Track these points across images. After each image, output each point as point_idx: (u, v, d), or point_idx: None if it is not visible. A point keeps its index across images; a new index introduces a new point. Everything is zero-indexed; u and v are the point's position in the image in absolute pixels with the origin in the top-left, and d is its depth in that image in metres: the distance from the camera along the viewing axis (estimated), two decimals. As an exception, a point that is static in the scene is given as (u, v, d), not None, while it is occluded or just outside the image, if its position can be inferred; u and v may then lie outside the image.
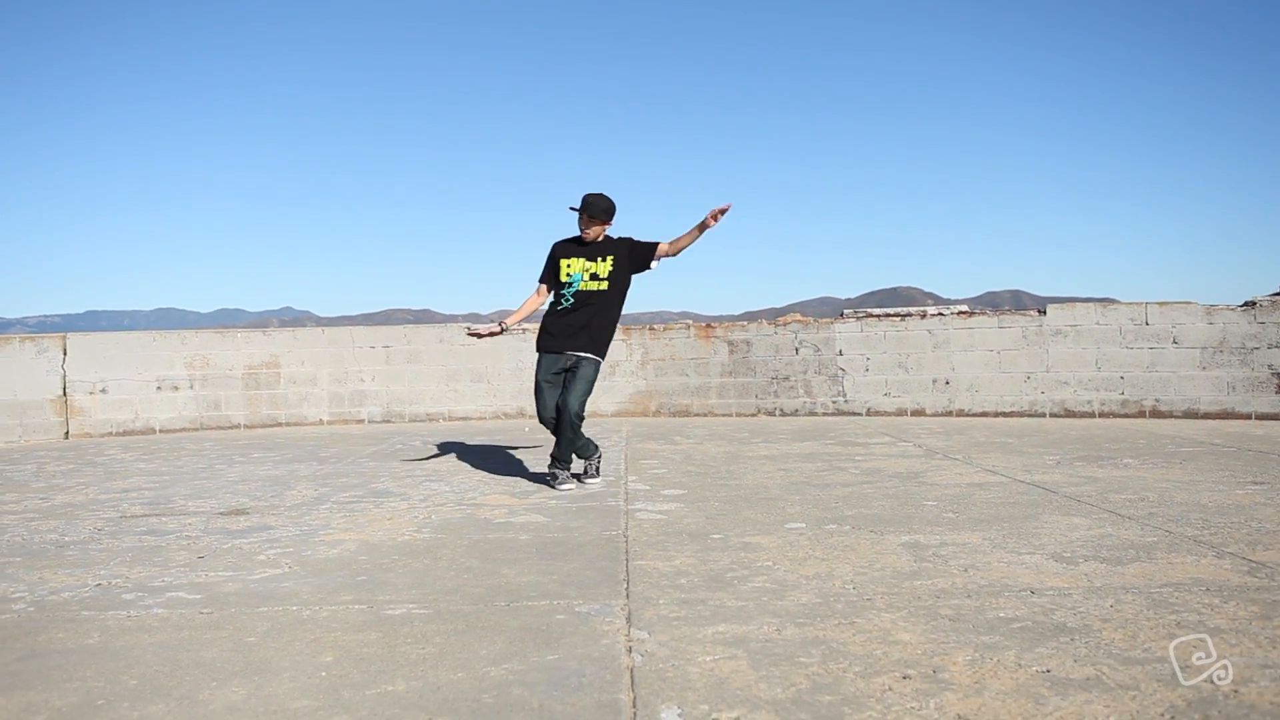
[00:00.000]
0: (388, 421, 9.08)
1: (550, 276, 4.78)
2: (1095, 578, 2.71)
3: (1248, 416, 7.80)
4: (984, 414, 8.43)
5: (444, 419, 9.09)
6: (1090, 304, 8.42)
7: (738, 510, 3.94)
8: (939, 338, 8.59)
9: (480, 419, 9.11)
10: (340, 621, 2.44)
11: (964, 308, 8.69)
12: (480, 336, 4.74)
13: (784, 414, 8.86)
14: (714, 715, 1.79)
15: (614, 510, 4.02)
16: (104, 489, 4.98)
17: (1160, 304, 8.13)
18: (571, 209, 4.63)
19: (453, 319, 9.97)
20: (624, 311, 4.81)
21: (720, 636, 2.25)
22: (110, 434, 8.56)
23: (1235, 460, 5.19)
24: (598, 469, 4.82)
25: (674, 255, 4.69)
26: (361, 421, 9.07)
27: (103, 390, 8.61)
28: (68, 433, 8.48)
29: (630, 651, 2.16)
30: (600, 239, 4.68)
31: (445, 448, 6.63)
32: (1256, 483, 4.37)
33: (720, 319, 9.68)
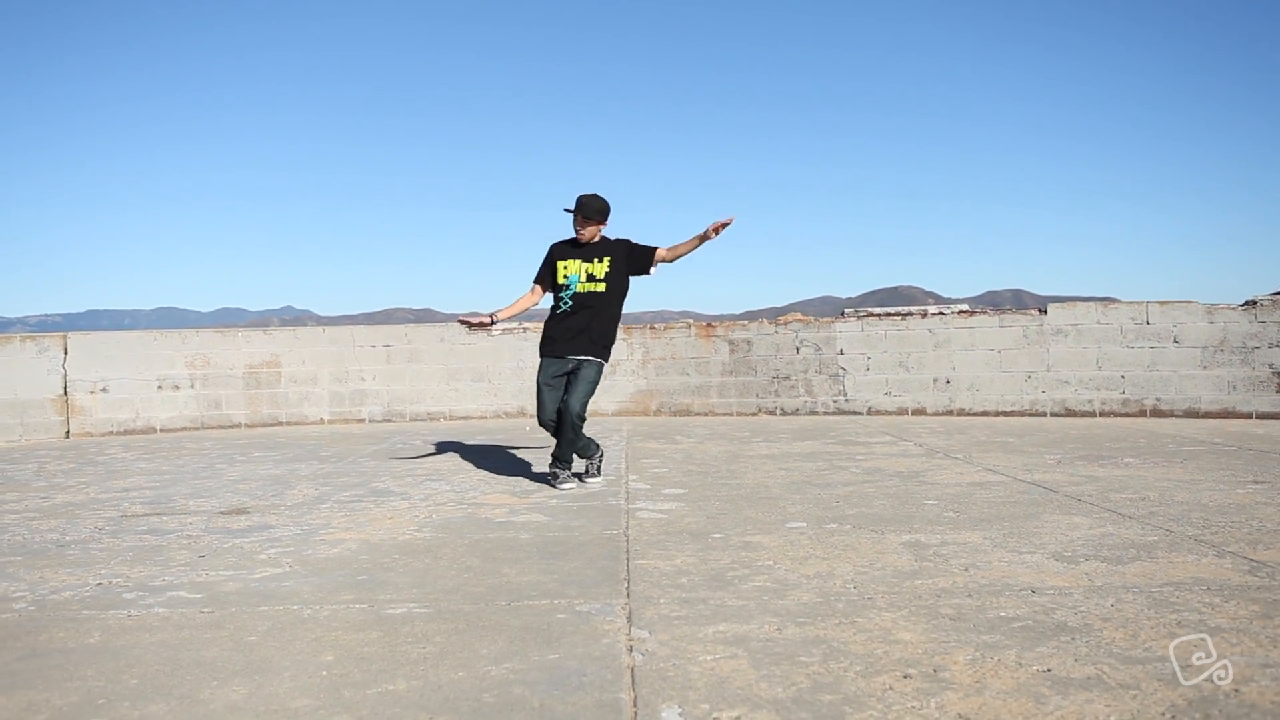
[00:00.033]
0: (388, 421, 9.08)
1: (546, 277, 4.78)
2: (1096, 577, 2.71)
3: (1248, 416, 7.80)
4: (985, 413, 8.43)
5: (445, 418, 9.10)
6: (1091, 303, 8.42)
7: (738, 509, 3.94)
8: (940, 337, 8.58)
9: (481, 418, 9.11)
10: (341, 621, 2.44)
11: (965, 307, 8.69)
12: (470, 325, 4.75)
13: (785, 413, 8.86)
14: (715, 714, 1.79)
15: (615, 509, 4.02)
16: (105, 488, 4.98)
17: (1161, 303, 8.12)
18: (566, 210, 4.64)
19: (453, 318, 9.97)
20: (625, 311, 4.81)
21: (721, 636, 2.25)
22: (111, 433, 8.56)
23: (1236, 459, 5.19)
24: (599, 468, 4.82)
25: (670, 262, 4.70)
26: (362, 421, 9.07)
27: (103, 389, 8.61)
28: (68, 432, 8.49)
29: (631, 651, 2.16)
30: (596, 240, 4.68)
31: (446, 447, 6.63)
32: (1257, 482, 4.37)
33: (721, 318, 9.69)
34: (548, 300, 4.87)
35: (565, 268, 4.66)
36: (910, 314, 8.73)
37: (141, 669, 2.10)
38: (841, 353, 8.77)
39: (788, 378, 8.88)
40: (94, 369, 8.59)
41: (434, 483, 4.88)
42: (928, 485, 4.48)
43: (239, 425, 8.91)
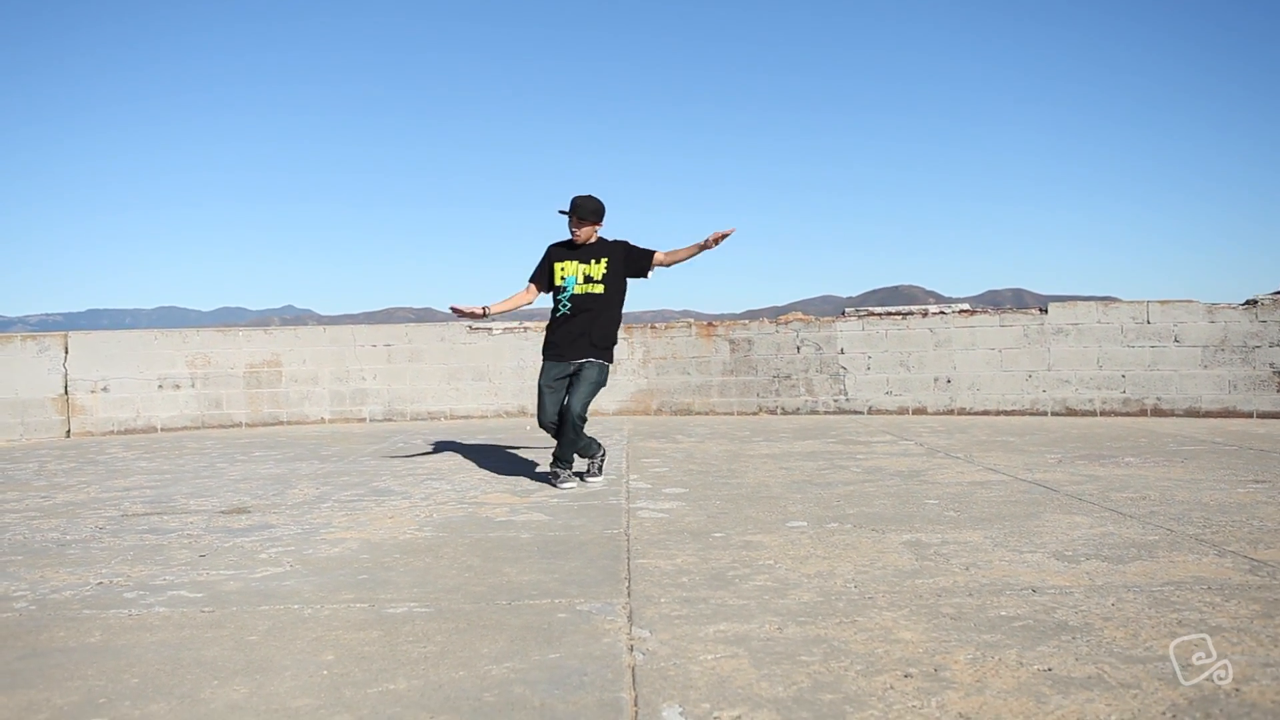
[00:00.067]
0: (389, 420, 9.08)
1: (541, 278, 4.77)
2: (1097, 576, 2.71)
3: (1249, 415, 7.80)
4: (985, 412, 8.43)
5: (445, 418, 9.10)
6: (1092, 302, 8.41)
7: (739, 509, 3.94)
8: (940, 336, 8.58)
9: (482, 417, 9.11)
10: (342, 620, 2.44)
11: (965, 306, 8.69)
12: (462, 314, 4.74)
13: (785, 412, 8.86)
14: (715, 714, 1.79)
15: (615, 509, 4.02)
16: (105, 487, 4.98)
17: (1162, 302, 8.12)
18: (561, 212, 4.63)
19: (453, 317, 9.97)
20: (625, 310, 4.80)
21: (722, 635, 2.25)
22: (112, 432, 8.56)
23: (1237, 459, 5.18)
24: (600, 468, 4.82)
25: (667, 267, 4.70)
26: (363, 420, 9.07)
27: (104, 389, 8.61)
28: (69, 431, 8.49)
29: (632, 650, 2.16)
30: (593, 240, 4.68)
31: (447, 446, 6.63)
32: (1258, 481, 4.37)
33: (722, 317, 9.69)
34: (543, 300, 4.87)
35: (562, 269, 4.66)
36: (911, 313, 8.73)
37: (142, 668, 2.10)
38: (842, 352, 8.77)
39: (788, 377, 8.88)
40: (95, 368, 8.59)
41: (435, 482, 4.88)
42: (928, 484, 4.48)
43: (240, 425, 8.91)
